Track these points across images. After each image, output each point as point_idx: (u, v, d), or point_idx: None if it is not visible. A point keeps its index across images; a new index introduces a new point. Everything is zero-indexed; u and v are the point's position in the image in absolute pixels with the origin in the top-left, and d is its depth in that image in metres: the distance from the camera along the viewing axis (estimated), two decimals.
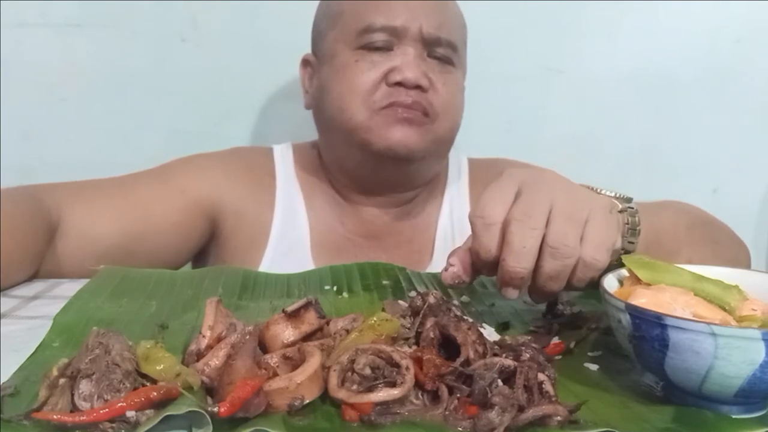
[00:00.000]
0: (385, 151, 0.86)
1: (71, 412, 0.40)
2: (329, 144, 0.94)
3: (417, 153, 0.87)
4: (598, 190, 0.64)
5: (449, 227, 0.97)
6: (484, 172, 1.01)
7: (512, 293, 0.55)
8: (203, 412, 0.39)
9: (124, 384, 0.41)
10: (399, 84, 0.85)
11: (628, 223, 0.63)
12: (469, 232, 0.95)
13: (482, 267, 0.57)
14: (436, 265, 0.92)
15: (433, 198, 0.99)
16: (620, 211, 0.63)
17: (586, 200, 0.56)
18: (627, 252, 0.64)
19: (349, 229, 0.95)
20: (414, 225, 0.97)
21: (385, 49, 0.87)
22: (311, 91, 0.95)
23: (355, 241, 0.95)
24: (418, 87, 0.85)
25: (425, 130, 0.87)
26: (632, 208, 0.64)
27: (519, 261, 0.53)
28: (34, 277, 0.76)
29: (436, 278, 0.75)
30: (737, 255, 0.82)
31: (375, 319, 0.50)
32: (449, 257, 0.59)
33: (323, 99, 0.91)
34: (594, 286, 0.55)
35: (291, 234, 0.93)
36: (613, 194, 0.64)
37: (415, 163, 0.89)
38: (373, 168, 0.90)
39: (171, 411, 0.39)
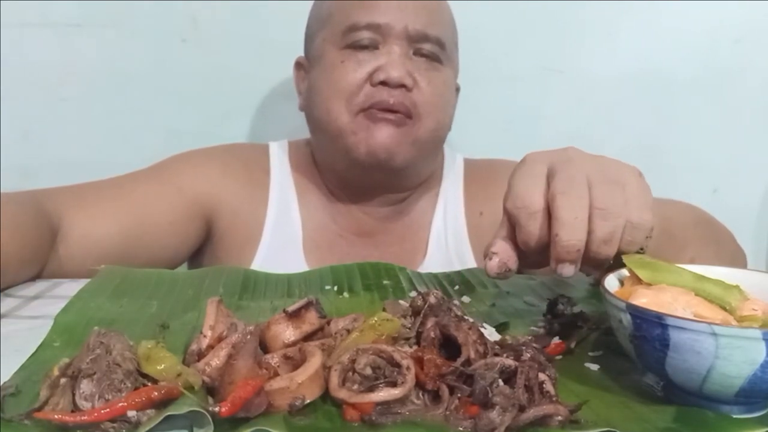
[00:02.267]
0: (366, 157, 0.86)
1: (72, 411, 0.40)
2: (319, 146, 0.94)
3: (398, 156, 0.86)
4: None
5: (443, 226, 0.97)
6: (479, 173, 1.01)
7: (569, 269, 0.52)
8: (204, 411, 0.39)
9: (125, 384, 0.41)
10: (383, 83, 0.85)
11: None
12: (464, 233, 0.96)
13: (530, 254, 0.55)
14: (430, 263, 0.93)
15: (428, 196, 0.99)
16: None
17: (616, 166, 0.55)
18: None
19: (342, 227, 0.95)
20: (407, 223, 0.97)
21: (371, 47, 0.87)
22: (303, 93, 0.95)
23: (347, 239, 0.95)
24: (402, 86, 0.85)
25: (406, 132, 0.86)
26: None
27: (574, 233, 0.51)
28: (37, 278, 0.76)
29: (437, 278, 0.75)
30: (736, 257, 0.82)
31: (376, 318, 0.50)
32: (489, 248, 0.56)
33: (312, 100, 0.91)
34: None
35: (284, 231, 0.93)
36: None
37: (400, 169, 0.89)
38: (361, 173, 0.90)
39: (172, 411, 0.39)
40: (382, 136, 0.85)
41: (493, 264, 0.55)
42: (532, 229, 0.53)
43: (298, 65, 0.97)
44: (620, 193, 0.52)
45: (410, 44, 0.87)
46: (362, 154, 0.86)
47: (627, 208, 0.52)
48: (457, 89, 0.97)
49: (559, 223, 0.51)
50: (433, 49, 0.88)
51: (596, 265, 0.54)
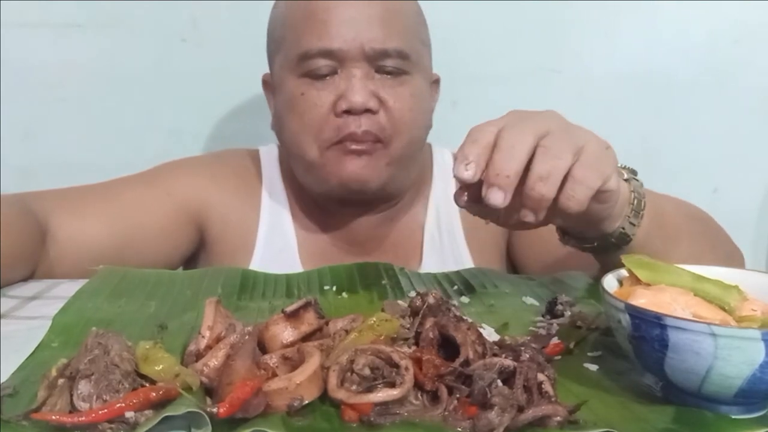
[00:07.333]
0: (338, 188, 0.85)
1: (70, 412, 0.40)
2: (295, 170, 0.92)
3: (371, 182, 0.84)
4: None
5: (436, 228, 0.95)
6: None
7: (497, 195, 0.52)
8: (202, 412, 0.39)
9: (123, 384, 0.41)
10: (348, 112, 0.82)
11: (633, 191, 0.62)
12: (459, 233, 0.95)
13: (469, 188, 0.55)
14: (426, 267, 0.91)
15: (419, 199, 0.97)
16: (625, 180, 0.62)
17: (583, 132, 0.56)
18: (630, 231, 0.63)
19: (334, 236, 0.94)
20: (400, 229, 0.95)
21: (330, 74, 0.83)
22: (273, 113, 0.92)
23: (341, 248, 0.93)
24: (367, 110, 0.82)
25: (378, 157, 0.84)
26: (637, 180, 0.64)
27: (505, 159, 0.52)
28: (29, 279, 0.76)
29: (436, 278, 0.75)
30: (732, 254, 0.82)
31: (374, 319, 0.50)
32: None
33: (280, 128, 0.89)
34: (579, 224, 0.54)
35: (277, 240, 0.92)
36: (618, 165, 0.63)
37: (377, 190, 0.87)
38: (339, 195, 0.88)
39: (170, 411, 0.39)
40: (354, 167, 0.83)
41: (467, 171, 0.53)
42: (465, 148, 0.53)
43: (265, 83, 0.94)
44: (571, 145, 0.53)
45: (370, 64, 0.82)
46: (335, 185, 0.85)
47: (573, 161, 0.53)
48: (437, 81, 0.94)
49: (497, 149, 0.53)
50: (396, 63, 0.83)
51: (532, 206, 0.54)
